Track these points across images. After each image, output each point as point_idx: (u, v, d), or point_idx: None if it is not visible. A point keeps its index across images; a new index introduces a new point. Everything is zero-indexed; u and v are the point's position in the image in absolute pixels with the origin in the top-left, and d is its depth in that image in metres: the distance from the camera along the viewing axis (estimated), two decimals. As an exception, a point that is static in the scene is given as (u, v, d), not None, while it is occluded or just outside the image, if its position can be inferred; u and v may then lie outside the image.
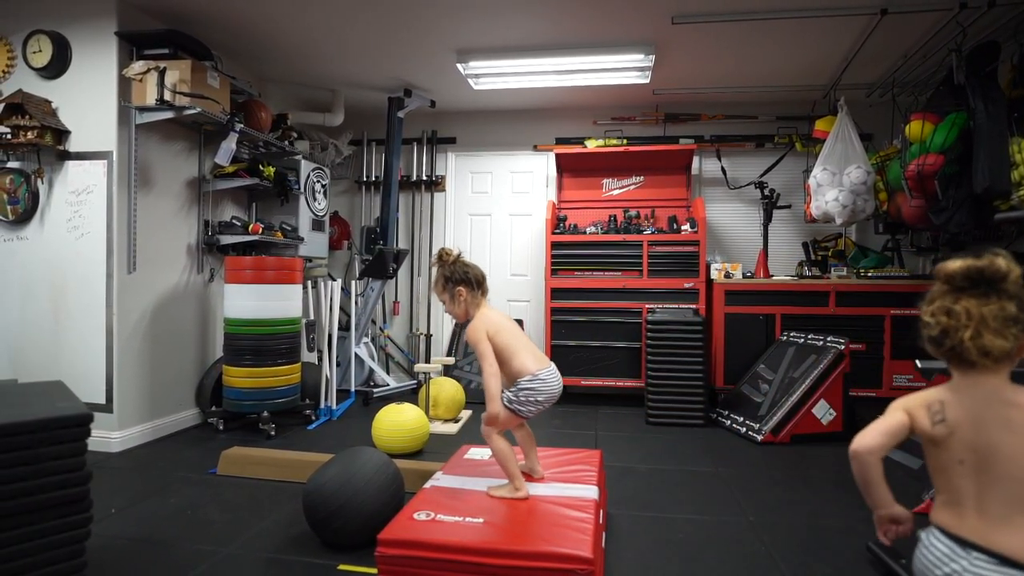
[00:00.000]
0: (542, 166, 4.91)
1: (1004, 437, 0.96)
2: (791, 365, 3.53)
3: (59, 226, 3.08)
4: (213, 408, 3.47)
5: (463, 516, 1.69)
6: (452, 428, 3.54)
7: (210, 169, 3.62)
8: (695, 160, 4.57)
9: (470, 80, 4.03)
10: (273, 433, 3.27)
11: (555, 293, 4.28)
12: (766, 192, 4.22)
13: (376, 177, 5.05)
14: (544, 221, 4.52)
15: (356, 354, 4.40)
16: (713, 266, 4.16)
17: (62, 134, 3.04)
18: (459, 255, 2.01)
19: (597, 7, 3.06)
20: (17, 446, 1.46)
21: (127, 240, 3.06)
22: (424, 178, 5.00)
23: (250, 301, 3.28)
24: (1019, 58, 2.83)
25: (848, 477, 2.80)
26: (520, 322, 4.34)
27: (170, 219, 3.40)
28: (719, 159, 4.56)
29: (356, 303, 4.60)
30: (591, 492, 1.88)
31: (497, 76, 3.98)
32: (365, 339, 4.63)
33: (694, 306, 4.06)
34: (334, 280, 4.41)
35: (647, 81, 3.97)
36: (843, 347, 3.32)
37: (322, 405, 3.73)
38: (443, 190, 5.02)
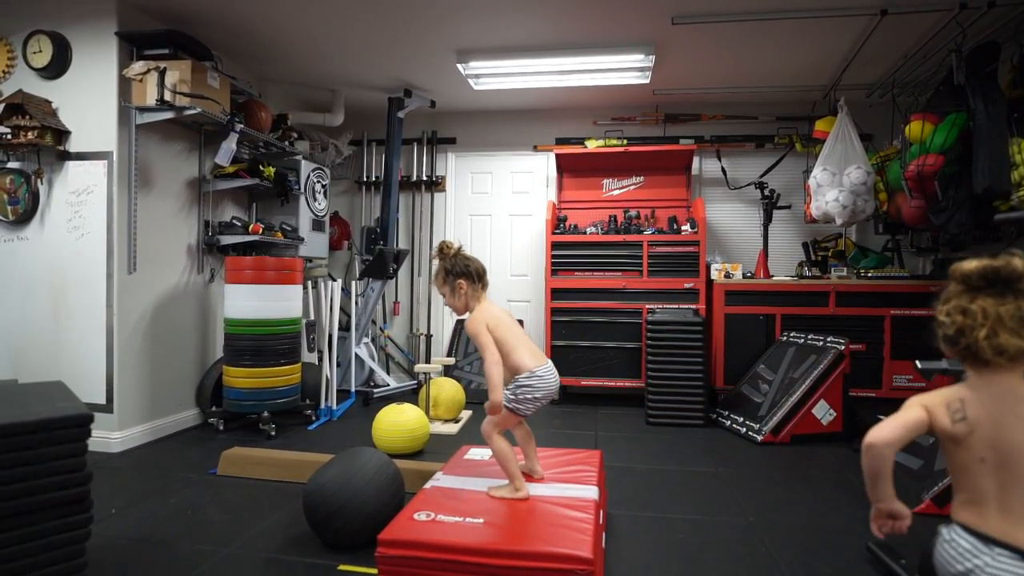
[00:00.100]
0: (542, 166, 4.91)
1: (1023, 435, 0.97)
2: (791, 365, 3.53)
3: (59, 226, 3.08)
4: (213, 408, 3.47)
5: (463, 516, 1.69)
6: (452, 428, 3.54)
7: (210, 169, 3.62)
8: (695, 160, 4.57)
9: (470, 80, 4.04)
10: (273, 433, 3.27)
11: (555, 293, 4.28)
12: (766, 192, 4.22)
13: (376, 177, 5.05)
14: (544, 221, 4.52)
15: (356, 354, 4.40)
16: (713, 266, 4.16)
17: (62, 134, 3.04)
18: (460, 248, 2.01)
19: (597, 7, 3.07)
20: (17, 446, 1.46)
21: (127, 240, 3.06)
22: (424, 178, 5.00)
23: (250, 301, 3.29)
24: (1019, 58, 2.83)
25: (848, 477, 2.78)
26: (520, 322, 4.33)
27: (170, 219, 3.40)
28: (719, 159, 4.56)
29: (356, 303, 4.60)
30: (591, 492, 1.88)
31: (497, 76, 3.98)
32: (365, 339, 4.63)
33: (694, 306, 4.06)
34: (334, 280, 4.41)
35: (647, 81, 3.97)
36: (843, 347, 3.32)
37: (322, 405, 3.73)
38: (443, 190, 5.03)
